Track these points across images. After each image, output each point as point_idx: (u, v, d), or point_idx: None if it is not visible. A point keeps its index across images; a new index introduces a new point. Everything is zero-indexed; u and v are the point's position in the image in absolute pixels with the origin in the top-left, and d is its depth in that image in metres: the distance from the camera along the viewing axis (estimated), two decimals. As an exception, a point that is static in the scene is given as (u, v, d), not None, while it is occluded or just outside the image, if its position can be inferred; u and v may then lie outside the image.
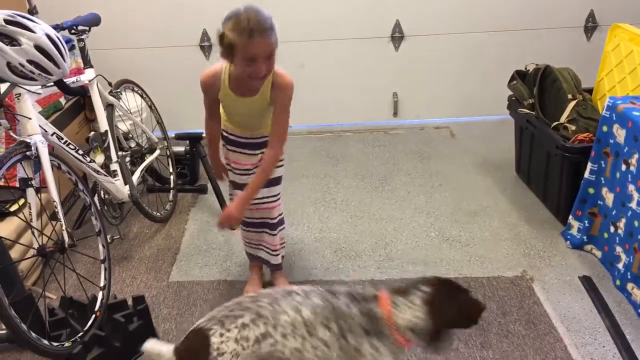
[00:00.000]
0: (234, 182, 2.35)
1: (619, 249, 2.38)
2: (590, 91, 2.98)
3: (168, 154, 3.26)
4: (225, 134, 2.27)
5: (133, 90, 3.09)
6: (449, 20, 3.78)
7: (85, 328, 2.17)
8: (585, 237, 2.63)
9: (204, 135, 3.17)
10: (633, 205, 2.26)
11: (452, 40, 3.83)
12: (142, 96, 3.15)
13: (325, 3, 3.74)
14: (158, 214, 2.99)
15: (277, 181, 2.31)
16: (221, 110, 2.21)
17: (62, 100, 3.24)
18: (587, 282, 2.46)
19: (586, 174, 2.55)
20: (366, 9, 3.75)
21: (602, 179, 2.48)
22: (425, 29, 3.81)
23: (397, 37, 3.83)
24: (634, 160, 2.24)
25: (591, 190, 2.56)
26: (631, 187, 2.27)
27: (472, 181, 3.34)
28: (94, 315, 2.23)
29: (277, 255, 2.45)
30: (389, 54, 3.88)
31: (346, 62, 3.89)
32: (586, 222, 2.61)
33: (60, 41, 1.99)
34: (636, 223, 2.24)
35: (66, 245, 2.15)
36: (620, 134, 2.32)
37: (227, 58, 1.89)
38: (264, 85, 2.01)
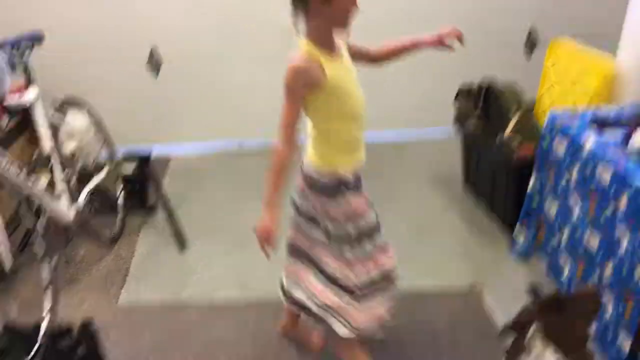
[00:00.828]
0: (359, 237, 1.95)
1: (563, 258, 2.46)
2: (532, 105, 3.09)
3: (116, 174, 3.19)
4: (340, 178, 1.86)
5: (79, 109, 3.02)
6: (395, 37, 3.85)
7: (29, 358, 2.09)
8: (531, 248, 2.70)
9: (153, 154, 3.16)
10: (575, 216, 2.34)
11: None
12: (88, 114, 3.08)
13: (278, 19, 3.75)
14: (106, 235, 2.92)
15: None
16: (330, 138, 1.83)
17: (5, 119, 3.13)
18: (535, 292, 2.52)
19: (530, 187, 2.63)
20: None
21: (546, 190, 2.57)
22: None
23: (347, 54, 3.88)
24: (574, 172, 2.33)
25: (535, 202, 2.64)
26: (573, 199, 2.35)
27: (422, 196, 3.39)
28: (37, 344, 2.14)
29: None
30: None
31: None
32: (532, 233, 2.68)
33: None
34: (578, 234, 2.31)
35: (6, 271, 2.07)
36: (560, 147, 2.41)
37: (324, 4, 1.63)
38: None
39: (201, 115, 3.95)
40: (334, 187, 1.86)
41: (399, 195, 3.39)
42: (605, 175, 2.12)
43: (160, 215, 3.21)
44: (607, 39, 2.74)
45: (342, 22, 1.70)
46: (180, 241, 2.96)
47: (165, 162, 3.85)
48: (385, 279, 2.02)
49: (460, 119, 3.23)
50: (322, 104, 1.75)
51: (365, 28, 3.70)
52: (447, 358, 2.21)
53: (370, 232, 1.96)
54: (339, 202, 1.88)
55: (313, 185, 1.88)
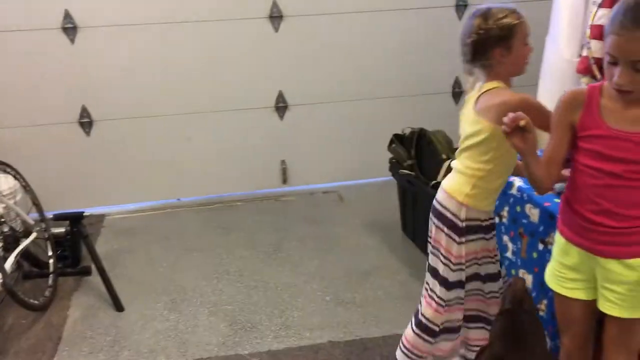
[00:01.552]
0: (460, 282, 2.00)
1: None
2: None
3: (46, 236, 3.06)
4: (470, 223, 1.93)
5: (5, 171, 2.91)
6: (330, 89, 3.95)
7: None
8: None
9: (85, 214, 3.06)
10: (509, 255, 2.41)
11: (334, 108, 3.99)
12: (15, 177, 2.97)
13: (208, 75, 3.78)
14: (36, 301, 2.77)
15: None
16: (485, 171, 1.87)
17: None
18: (476, 332, 2.56)
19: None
20: (250, 81, 3.83)
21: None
22: (307, 98, 3.95)
23: (281, 106, 3.93)
24: (504, 213, 2.41)
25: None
26: (505, 238, 2.42)
27: (362, 242, 3.42)
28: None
29: None
30: (274, 123, 3.96)
31: (233, 133, 3.92)
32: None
33: None
34: (513, 272, 2.38)
35: None
36: (534, 213, 2.33)
37: (504, 48, 1.77)
38: None
39: (136, 174, 3.87)
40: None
41: (339, 242, 3.41)
42: (533, 214, 2.20)
43: (94, 277, 3.09)
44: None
45: (521, 68, 1.83)
46: (116, 303, 2.85)
47: (99, 220, 3.73)
48: None
49: (395, 167, 3.31)
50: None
51: (298, 64, 3.84)
52: (394, 406, 2.19)
53: None
54: None
55: None
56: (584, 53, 2.54)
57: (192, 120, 3.84)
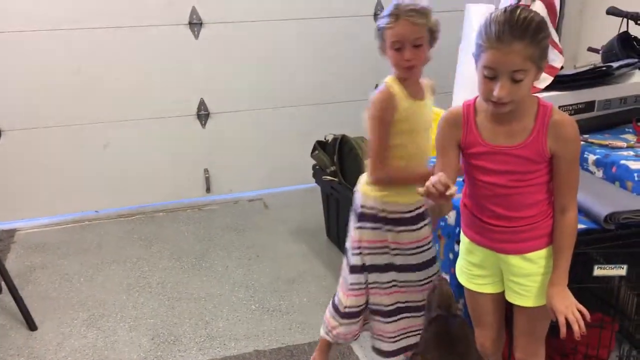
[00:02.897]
0: (363, 266, 2.06)
1: None
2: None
3: (-50, 253, 2.87)
4: (365, 210, 2.01)
5: None
6: (252, 96, 3.94)
7: None
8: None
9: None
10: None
11: (256, 115, 3.98)
12: None
13: (126, 82, 3.68)
14: (-62, 324, 2.59)
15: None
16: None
17: None
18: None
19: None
20: (170, 88, 3.76)
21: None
22: (229, 105, 3.91)
23: (203, 114, 3.88)
24: None
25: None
26: None
27: (287, 249, 3.41)
28: None
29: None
30: (195, 132, 3.90)
31: (153, 142, 3.83)
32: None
33: None
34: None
35: None
36: None
37: (381, 49, 1.90)
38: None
39: (50, 186, 3.69)
40: None
41: (264, 250, 3.39)
42: (450, 216, 2.27)
43: (4, 295, 2.91)
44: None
45: (399, 70, 1.89)
46: (28, 322, 2.70)
47: (9, 235, 3.53)
48: None
49: (319, 173, 3.33)
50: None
51: (218, 71, 3.79)
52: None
53: None
54: None
55: None
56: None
57: (109, 128, 3.71)
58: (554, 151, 1.57)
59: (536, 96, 1.63)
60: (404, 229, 2.02)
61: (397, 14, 1.83)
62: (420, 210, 2.03)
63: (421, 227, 2.04)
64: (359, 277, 2.08)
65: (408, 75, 1.91)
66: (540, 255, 1.69)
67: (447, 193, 1.42)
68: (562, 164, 1.59)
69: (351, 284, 2.10)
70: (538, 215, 1.66)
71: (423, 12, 1.84)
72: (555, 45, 2.61)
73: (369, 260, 2.06)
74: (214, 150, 3.98)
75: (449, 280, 2.31)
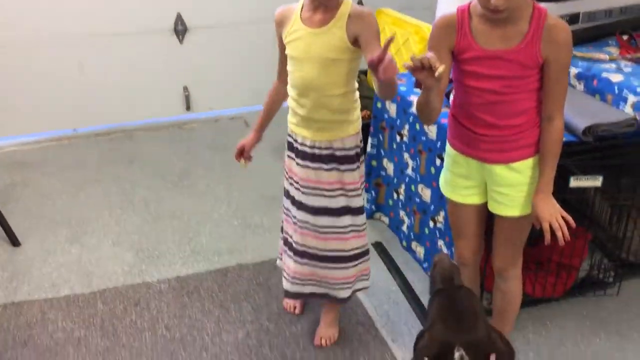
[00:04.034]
0: (288, 193, 2.05)
1: (402, 213, 2.62)
2: (365, 72, 3.22)
3: None
4: (288, 137, 1.99)
5: None
6: (232, 10, 3.81)
7: None
8: (373, 207, 2.84)
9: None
10: (409, 172, 2.49)
11: (236, 30, 3.86)
12: None
13: (99, -4, 3.53)
14: None
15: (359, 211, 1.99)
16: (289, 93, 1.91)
17: None
18: (379, 248, 2.67)
19: (368, 149, 2.75)
20: (145, 2, 3.61)
21: (382, 151, 2.71)
22: (208, 20, 3.79)
23: (180, 29, 3.76)
24: (405, 131, 2.48)
25: (374, 163, 2.77)
26: (406, 156, 2.50)
27: (269, 167, 3.39)
28: None
29: (349, 288, 2.08)
30: (173, 48, 3.79)
31: (129, 58, 3.72)
32: (373, 192, 2.82)
33: None
34: (413, 188, 2.48)
35: None
36: (392, 108, 2.55)
37: None
38: (339, 17, 1.74)
39: (29, 104, 3.61)
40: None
41: (249, 166, 3.37)
42: (431, 131, 2.28)
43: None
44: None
45: None
46: (11, 237, 2.71)
47: (-12, 154, 3.49)
48: None
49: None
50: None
51: None
52: (305, 319, 2.27)
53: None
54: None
55: None
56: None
57: (84, 45, 3.59)
58: (546, 56, 1.56)
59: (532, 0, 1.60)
60: (294, 158, 1.97)
61: None
62: (315, 151, 1.90)
63: (309, 167, 1.92)
64: (285, 202, 2.08)
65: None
66: (526, 165, 1.71)
67: (436, 74, 1.41)
68: (553, 70, 1.58)
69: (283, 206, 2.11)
70: (526, 123, 1.66)
71: None
72: (542, -45, 2.54)
73: (285, 184, 2.07)
74: (193, 67, 3.88)
75: (430, 193, 2.35)
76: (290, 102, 1.93)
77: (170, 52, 3.80)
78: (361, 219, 2.01)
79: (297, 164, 1.95)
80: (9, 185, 3.19)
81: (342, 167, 1.91)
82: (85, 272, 2.55)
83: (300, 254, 2.02)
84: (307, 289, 2.08)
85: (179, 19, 3.73)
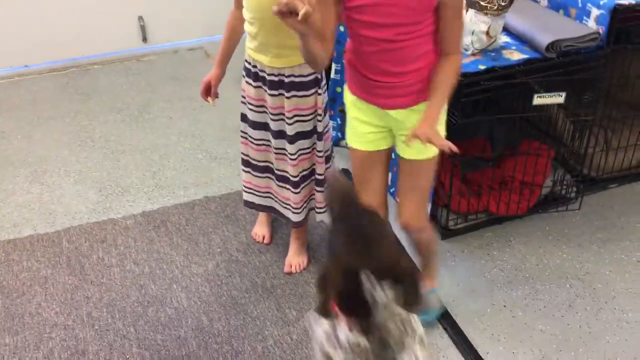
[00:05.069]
0: (246, 117, 2.03)
1: None
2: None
3: None
4: (246, 64, 1.93)
5: None
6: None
7: None
8: (339, 134, 2.81)
9: None
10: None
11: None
12: None
13: None
14: None
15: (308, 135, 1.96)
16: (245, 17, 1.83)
17: None
18: (346, 173, 2.66)
19: (332, 75, 2.70)
20: None
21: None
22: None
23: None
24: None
25: (338, 89, 2.72)
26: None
27: (232, 98, 3.30)
28: None
29: (300, 212, 2.09)
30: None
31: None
32: (338, 119, 2.79)
33: None
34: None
35: None
36: None
37: None
38: None
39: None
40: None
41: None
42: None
43: (-63, 156, 2.81)
44: None
45: None
46: (-33, 180, 2.63)
47: None
48: None
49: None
50: None
51: None
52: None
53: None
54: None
55: None
56: None
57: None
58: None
59: None
60: (251, 82, 1.94)
61: None
62: (273, 78, 1.87)
63: (277, 95, 1.90)
64: (243, 127, 2.08)
65: None
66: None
67: (299, 17, 1.29)
68: (449, 13, 1.49)
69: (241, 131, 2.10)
70: (425, 67, 1.57)
71: None
72: None
73: (248, 114, 2.03)
74: (150, 2, 3.70)
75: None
76: (246, 27, 1.86)
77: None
78: (311, 143, 1.98)
79: (269, 94, 1.91)
80: (-39, 125, 3.07)
81: (299, 93, 1.88)
82: (48, 211, 2.50)
83: (261, 169, 2.09)
84: (264, 202, 2.16)
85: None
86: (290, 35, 1.71)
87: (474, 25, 2.01)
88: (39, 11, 3.48)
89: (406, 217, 1.78)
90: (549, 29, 2.04)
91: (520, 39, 2.14)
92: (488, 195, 2.31)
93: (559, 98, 2.03)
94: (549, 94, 2.01)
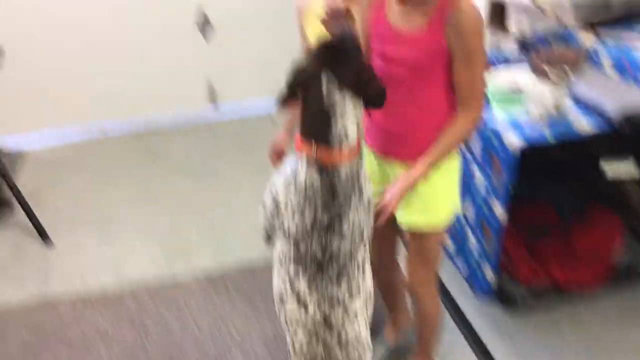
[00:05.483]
0: None
1: (470, 235, 2.37)
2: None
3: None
4: None
5: None
6: (256, 7, 3.80)
7: None
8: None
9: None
10: (479, 188, 2.30)
11: (263, 29, 3.85)
12: None
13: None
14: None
15: None
16: None
17: None
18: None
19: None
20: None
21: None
22: (234, 17, 3.79)
23: (206, 26, 3.77)
24: (474, 143, 2.22)
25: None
26: (474, 170, 2.24)
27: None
28: None
29: None
30: (200, 45, 3.81)
31: (157, 56, 3.75)
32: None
33: None
34: (483, 206, 2.25)
35: None
36: None
37: None
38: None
39: (55, 99, 3.65)
40: None
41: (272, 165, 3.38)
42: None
43: (17, 212, 2.96)
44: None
45: None
46: (42, 235, 2.76)
47: (20, 154, 3.55)
48: None
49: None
50: None
51: None
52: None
53: None
54: None
55: None
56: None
57: (113, 40, 3.63)
58: (450, 42, 1.44)
59: None
60: None
61: None
62: None
63: None
64: None
65: None
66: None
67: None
68: (459, 57, 1.45)
69: None
70: (433, 121, 1.53)
71: None
72: None
73: None
74: (219, 64, 3.89)
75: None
76: None
77: (197, 49, 3.81)
78: None
79: None
80: (41, 184, 3.24)
81: None
82: (115, 269, 2.58)
83: None
84: None
85: (205, 16, 3.74)
86: None
87: (540, 94, 2.00)
88: (116, 79, 3.71)
89: (410, 280, 1.78)
90: (618, 97, 2.00)
91: (588, 107, 2.10)
92: (555, 265, 2.22)
93: (632, 169, 1.95)
94: (619, 164, 1.95)
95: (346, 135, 1.37)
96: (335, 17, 1.58)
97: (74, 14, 3.53)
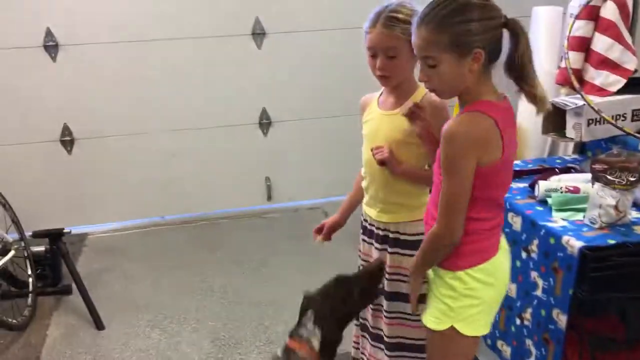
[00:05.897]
0: None
1: (528, 341, 2.25)
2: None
3: (25, 254, 3.01)
4: (361, 217, 2.05)
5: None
6: (313, 104, 3.96)
7: None
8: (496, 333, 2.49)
9: (65, 231, 3.01)
10: (538, 293, 2.14)
11: (317, 123, 3.99)
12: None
13: (192, 92, 3.78)
14: (14, 321, 2.71)
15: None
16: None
17: None
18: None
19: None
20: (233, 97, 3.83)
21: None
22: (291, 114, 3.95)
23: (265, 123, 3.93)
24: (533, 247, 2.15)
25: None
26: (534, 275, 2.16)
27: (347, 257, 3.36)
28: None
29: None
30: (258, 140, 3.96)
31: (217, 149, 3.91)
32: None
33: None
34: (543, 312, 2.12)
35: None
36: (516, 221, 2.23)
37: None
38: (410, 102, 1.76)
39: (119, 192, 3.83)
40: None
41: (323, 258, 3.35)
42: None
43: (74, 296, 3.03)
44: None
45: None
46: (97, 321, 2.80)
47: (81, 239, 3.67)
48: None
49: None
50: None
51: (281, 80, 3.82)
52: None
53: None
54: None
55: None
56: (562, 64, 2.57)
57: (176, 137, 3.81)
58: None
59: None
60: (365, 238, 2.02)
61: (375, 19, 1.71)
62: (379, 232, 1.94)
63: (381, 250, 1.95)
64: None
65: (382, 84, 1.85)
66: (437, 274, 1.63)
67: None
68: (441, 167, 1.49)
69: None
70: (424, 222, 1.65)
71: (404, 20, 1.65)
72: (628, 47, 2.50)
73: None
74: (276, 159, 4.02)
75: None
76: (362, 181, 1.97)
77: (255, 144, 3.96)
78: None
79: (375, 248, 1.96)
80: (97, 269, 3.33)
81: (402, 251, 1.89)
82: (164, 358, 2.57)
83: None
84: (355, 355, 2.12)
85: (264, 112, 3.91)
86: (396, 192, 1.80)
87: (601, 199, 1.96)
88: (176, 169, 3.87)
89: None
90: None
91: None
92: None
93: None
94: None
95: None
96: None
97: (138, 116, 3.74)
